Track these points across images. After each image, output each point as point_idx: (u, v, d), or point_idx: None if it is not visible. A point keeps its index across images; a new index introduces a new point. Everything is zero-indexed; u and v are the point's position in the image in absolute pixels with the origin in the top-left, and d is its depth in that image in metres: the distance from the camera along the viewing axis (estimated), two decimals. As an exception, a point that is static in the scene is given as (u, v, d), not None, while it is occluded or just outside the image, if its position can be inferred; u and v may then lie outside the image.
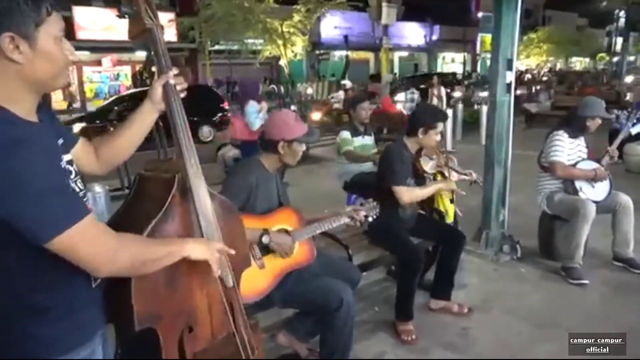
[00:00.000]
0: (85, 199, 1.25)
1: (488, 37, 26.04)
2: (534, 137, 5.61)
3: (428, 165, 3.22)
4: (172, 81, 1.40)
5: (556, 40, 31.98)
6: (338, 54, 25.18)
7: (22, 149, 0.98)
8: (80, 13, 17.63)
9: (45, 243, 1.01)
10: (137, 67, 18.96)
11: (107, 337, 1.33)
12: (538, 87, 17.75)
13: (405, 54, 31.90)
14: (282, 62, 16.44)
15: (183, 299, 1.39)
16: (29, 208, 0.98)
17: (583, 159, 3.66)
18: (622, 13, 28.74)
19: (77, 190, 1.20)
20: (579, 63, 42.39)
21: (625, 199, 3.64)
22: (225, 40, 17.28)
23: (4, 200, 0.97)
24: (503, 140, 3.95)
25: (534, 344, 2.76)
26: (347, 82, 18.64)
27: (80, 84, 19.15)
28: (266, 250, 2.22)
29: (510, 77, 3.86)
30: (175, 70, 1.42)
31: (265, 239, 2.16)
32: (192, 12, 16.68)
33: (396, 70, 27.93)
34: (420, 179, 3.14)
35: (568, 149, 3.63)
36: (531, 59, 33.07)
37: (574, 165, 3.64)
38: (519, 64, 28.06)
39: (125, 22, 1.56)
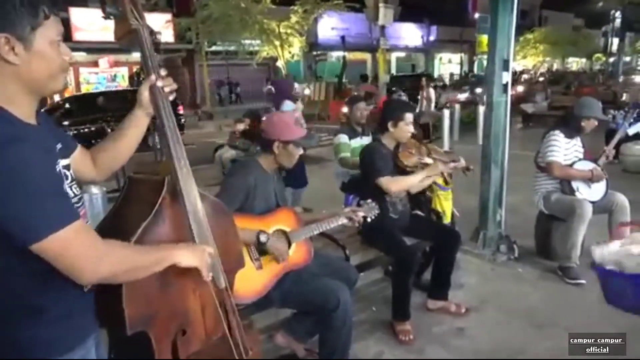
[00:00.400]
0: (80, 204, 1.24)
1: (484, 37, 26.08)
2: (531, 137, 5.62)
3: (409, 160, 3.14)
4: (159, 83, 1.38)
5: (552, 41, 32.07)
6: (335, 54, 25.17)
7: (18, 147, 0.98)
8: (76, 14, 17.56)
9: (30, 245, 1.00)
10: (134, 69, 18.94)
11: (100, 340, 1.32)
12: (534, 87, 17.75)
13: (402, 54, 31.98)
14: (280, 63, 16.45)
15: (175, 302, 1.38)
16: (18, 207, 0.97)
17: (580, 159, 3.67)
18: (618, 13, 28.90)
19: (72, 195, 1.20)
20: (575, 63, 42.53)
21: (622, 199, 3.64)
22: (222, 41, 17.28)
23: None
24: (500, 140, 3.96)
25: (531, 343, 2.76)
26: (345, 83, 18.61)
27: (77, 85, 19.08)
28: (264, 251, 2.21)
29: (507, 77, 3.86)
30: (163, 72, 1.39)
31: (263, 238, 2.15)
32: (189, 12, 16.65)
33: (393, 71, 27.95)
34: (405, 175, 3.08)
35: (564, 149, 3.64)
36: (528, 59, 33.17)
37: (571, 165, 3.64)
38: (516, 65, 28.14)
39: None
